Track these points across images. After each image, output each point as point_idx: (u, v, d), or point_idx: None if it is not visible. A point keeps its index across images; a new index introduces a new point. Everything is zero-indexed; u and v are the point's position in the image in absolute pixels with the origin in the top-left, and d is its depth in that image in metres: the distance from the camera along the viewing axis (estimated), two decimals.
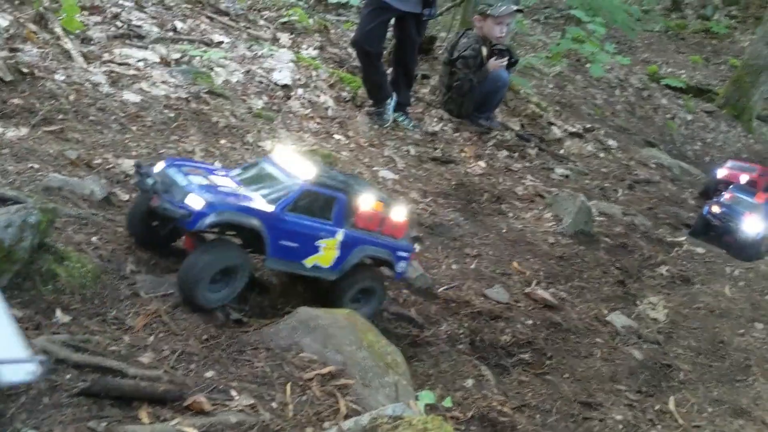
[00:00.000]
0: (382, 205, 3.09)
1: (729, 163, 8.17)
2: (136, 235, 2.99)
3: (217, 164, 3.10)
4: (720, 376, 4.03)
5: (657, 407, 3.58)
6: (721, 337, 4.45)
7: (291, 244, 2.84)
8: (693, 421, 3.48)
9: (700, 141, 11.13)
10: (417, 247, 3.59)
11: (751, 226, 5.95)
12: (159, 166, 2.89)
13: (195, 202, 2.61)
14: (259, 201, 2.78)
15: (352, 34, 6.36)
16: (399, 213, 3.14)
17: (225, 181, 2.89)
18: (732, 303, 4.92)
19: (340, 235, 2.96)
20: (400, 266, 3.21)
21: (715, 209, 6.10)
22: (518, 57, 7.31)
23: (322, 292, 3.19)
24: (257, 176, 2.98)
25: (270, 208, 2.76)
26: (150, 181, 2.72)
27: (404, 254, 3.21)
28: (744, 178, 7.56)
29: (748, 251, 5.94)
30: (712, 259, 5.68)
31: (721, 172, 7.79)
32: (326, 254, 2.96)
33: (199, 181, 2.77)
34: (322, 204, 2.91)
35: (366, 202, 3.01)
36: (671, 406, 3.61)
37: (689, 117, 11.51)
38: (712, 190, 7.50)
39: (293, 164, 2.96)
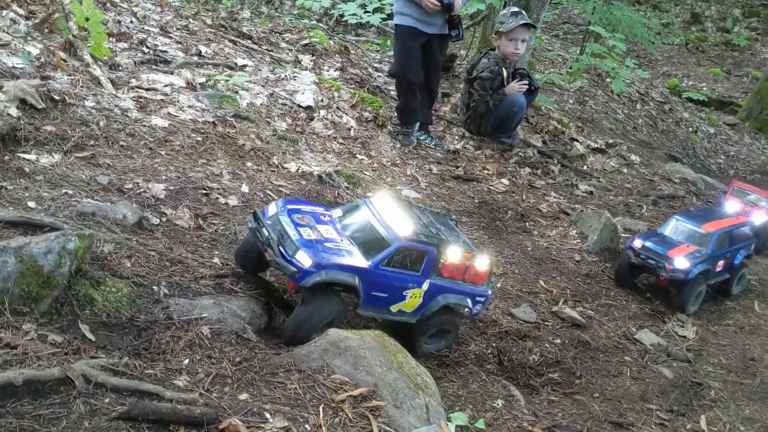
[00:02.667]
0: (469, 255, 3.32)
1: (733, 192, 6.43)
2: (242, 266, 3.33)
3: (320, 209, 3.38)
4: (751, 393, 3.98)
5: (689, 426, 3.54)
6: (751, 354, 4.40)
7: (381, 294, 3.12)
8: None
9: (724, 154, 11.04)
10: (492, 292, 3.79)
11: (677, 263, 4.63)
12: (272, 210, 3.19)
13: (304, 260, 2.89)
14: (357, 256, 3.05)
15: (392, 65, 6.43)
16: (482, 262, 3.38)
17: (329, 231, 3.16)
18: (761, 319, 4.87)
19: (425, 285, 3.22)
20: (476, 309, 3.47)
21: (637, 243, 4.85)
22: (539, 84, 7.24)
23: (399, 328, 3.39)
24: (357, 225, 3.24)
25: (366, 264, 3.02)
26: (265, 233, 3.01)
27: (481, 299, 3.46)
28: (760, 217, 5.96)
29: (680, 296, 4.79)
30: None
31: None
32: (411, 301, 3.22)
33: (308, 234, 3.04)
34: (414, 258, 3.14)
35: (453, 254, 3.24)
36: (703, 425, 3.56)
37: (711, 130, 11.43)
38: None
39: (392, 215, 3.20)
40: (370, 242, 3.13)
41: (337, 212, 3.36)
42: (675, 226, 5.04)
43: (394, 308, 3.20)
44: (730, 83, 14.87)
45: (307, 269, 2.87)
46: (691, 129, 11.07)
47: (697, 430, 3.54)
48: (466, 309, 3.45)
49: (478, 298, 3.45)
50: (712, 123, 11.62)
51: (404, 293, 3.18)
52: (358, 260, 3.03)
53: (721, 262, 4.94)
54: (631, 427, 3.42)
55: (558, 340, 4.02)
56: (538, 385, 3.67)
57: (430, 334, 3.44)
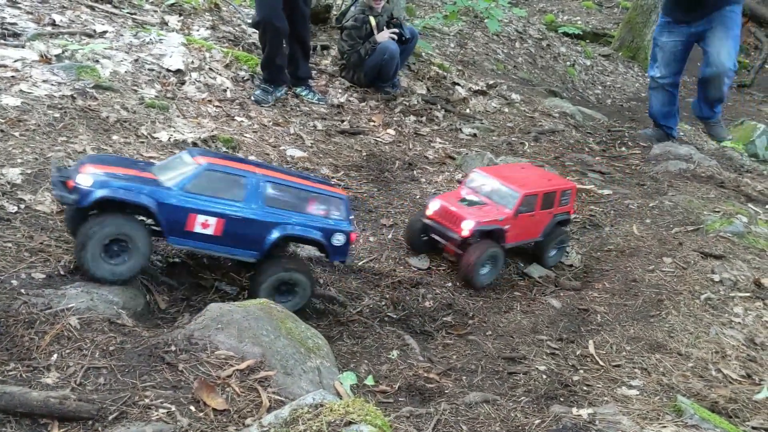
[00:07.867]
0: None
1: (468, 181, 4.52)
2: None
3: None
4: (635, 314, 4.15)
5: (578, 352, 3.66)
6: (633, 275, 4.57)
7: None
8: (613, 361, 3.58)
9: (601, 85, 11.44)
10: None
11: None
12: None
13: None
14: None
15: (254, 15, 6.11)
16: None
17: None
18: (640, 241, 5.08)
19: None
20: None
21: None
22: (410, 34, 7.02)
23: None
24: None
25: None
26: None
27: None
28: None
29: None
30: (619, 199, 5.84)
31: (433, 206, 4.24)
32: None
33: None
34: None
35: None
36: (591, 349, 3.69)
37: (588, 62, 11.79)
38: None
39: None
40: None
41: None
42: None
43: None
44: (602, 15, 15.33)
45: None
46: (568, 63, 11.37)
47: (586, 355, 3.67)
48: None
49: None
50: (588, 55, 11.98)
51: None
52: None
53: None
54: (524, 360, 3.51)
55: (449, 284, 4.07)
56: (432, 330, 3.71)
57: None
